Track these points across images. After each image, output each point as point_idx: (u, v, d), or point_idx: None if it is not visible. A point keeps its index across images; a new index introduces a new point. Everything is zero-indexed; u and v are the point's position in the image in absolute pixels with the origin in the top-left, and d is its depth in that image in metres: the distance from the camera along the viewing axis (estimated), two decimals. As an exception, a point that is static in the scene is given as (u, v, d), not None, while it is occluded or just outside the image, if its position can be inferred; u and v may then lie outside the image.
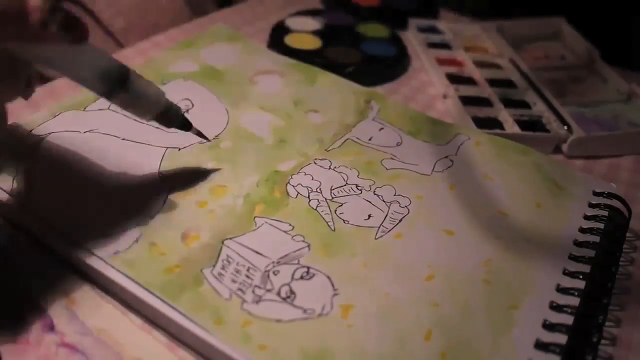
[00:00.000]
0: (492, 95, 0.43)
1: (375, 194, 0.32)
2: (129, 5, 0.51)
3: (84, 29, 0.22)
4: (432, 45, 0.51)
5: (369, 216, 0.31)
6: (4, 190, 0.29)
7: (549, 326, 0.26)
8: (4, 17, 0.20)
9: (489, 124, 0.40)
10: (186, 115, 0.29)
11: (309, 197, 0.31)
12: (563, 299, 0.27)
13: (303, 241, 0.29)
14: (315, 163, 0.34)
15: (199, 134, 0.31)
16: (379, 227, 0.30)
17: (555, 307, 0.27)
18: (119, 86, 0.26)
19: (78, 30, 0.22)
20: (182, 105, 0.37)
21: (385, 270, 0.28)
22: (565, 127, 0.40)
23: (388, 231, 0.30)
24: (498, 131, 0.39)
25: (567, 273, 0.28)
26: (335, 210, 0.31)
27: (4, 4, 0.19)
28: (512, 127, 0.40)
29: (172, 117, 0.29)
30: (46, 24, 0.20)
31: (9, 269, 0.27)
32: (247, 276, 0.26)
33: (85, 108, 0.36)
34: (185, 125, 0.30)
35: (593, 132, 0.40)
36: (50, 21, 0.21)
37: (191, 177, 0.32)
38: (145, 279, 0.26)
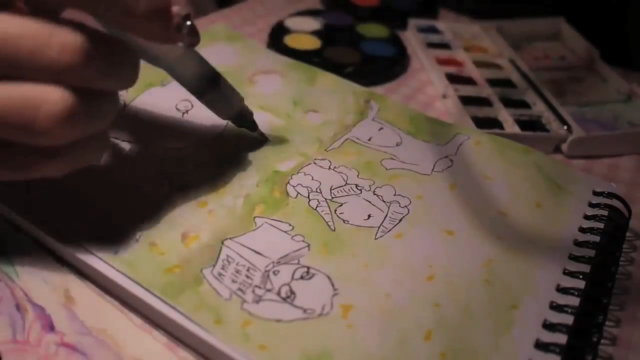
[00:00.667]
0: (492, 95, 0.43)
1: (375, 194, 0.32)
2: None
3: (199, 36, 0.25)
4: (432, 45, 0.51)
5: (369, 216, 0.31)
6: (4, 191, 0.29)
7: (549, 326, 0.26)
8: (154, 18, 0.22)
9: (488, 123, 0.40)
10: (254, 118, 0.34)
11: (308, 197, 0.31)
12: (563, 299, 0.27)
13: (303, 241, 0.29)
14: (315, 163, 0.34)
15: (262, 135, 0.34)
16: (379, 227, 0.30)
17: (555, 307, 0.27)
18: (211, 88, 0.31)
19: (197, 36, 0.25)
20: (182, 106, 0.37)
21: (385, 270, 0.28)
22: (565, 127, 0.40)
23: (388, 231, 0.30)
24: (498, 131, 0.39)
25: (567, 273, 0.28)
26: (335, 210, 0.31)
27: (158, 4, 0.22)
28: (511, 127, 0.40)
29: (244, 119, 0.33)
30: (180, 28, 0.23)
31: (10, 269, 0.27)
32: (247, 276, 0.26)
33: None
34: (253, 127, 0.34)
35: (593, 132, 0.40)
36: (184, 27, 0.23)
37: (191, 177, 0.32)
38: (145, 279, 0.26)
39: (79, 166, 0.24)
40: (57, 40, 0.20)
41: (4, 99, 0.20)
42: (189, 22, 0.24)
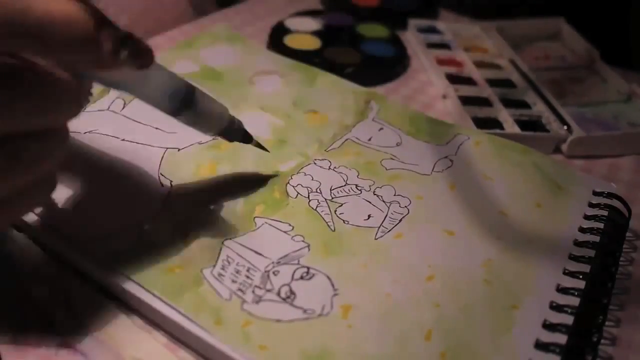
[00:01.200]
0: (492, 95, 0.43)
1: (375, 194, 0.32)
2: (132, 3, 0.51)
3: (151, 55, 0.22)
4: (432, 45, 0.51)
5: (369, 216, 0.31)
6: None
7: (549, 326, 0.26)
8: (77, 47, 0.20)
9: (488, 124, 0.40)
10: (246, 128, 0.30)
11: (308, 197, 0.31)
12: (563, 299, 0.27)
13: (303, 241, 0.29)
14: (315, 163, 0.34)
15: (259, 146, 0.31)
16: (379, 227, 0.30)
17: (555, 307, 0.27)
18: (185, 105, 0.26)
19: (146, 57, 0.22)
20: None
21: (385, 270, 0.28)
22: (565, 127, 0.40)
23: (388, 231, 0.30)
24: (498, 131, 0.39)
25: (567, 273, 0.28)
26: (335, 211, 0.31)
27: (78, 34, 0.19)
28: (512, 127, 0.40)
29: (234, 132, 0.30)
30: (118, 53, 0.21)
31: (9, 270, 0.27)
32: (247, 276, 0.26)
33: (84, 109, 0.35)
34: (246, 138, 0.30)
35: (593, 132, 0.40)
36: (121, 53, 0.21)
37: (191, 177, 0.32)
38: (145, 279, 0.26)
39: (23, 214, 0.23)
40: None
41: None
42: (129, 43, 0.21)
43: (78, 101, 0.21)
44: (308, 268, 0.27)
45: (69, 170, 0.31)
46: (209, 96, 0.28)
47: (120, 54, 0.21)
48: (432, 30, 0.53)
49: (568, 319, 0.26)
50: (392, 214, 0.31)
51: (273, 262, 0.27)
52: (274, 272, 0.27)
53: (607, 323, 0.27)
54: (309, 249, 0.28)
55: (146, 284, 0.26)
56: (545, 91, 0.44)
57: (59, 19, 0.19)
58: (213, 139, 0.34)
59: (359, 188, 0.32)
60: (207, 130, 0.28)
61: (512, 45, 0.50)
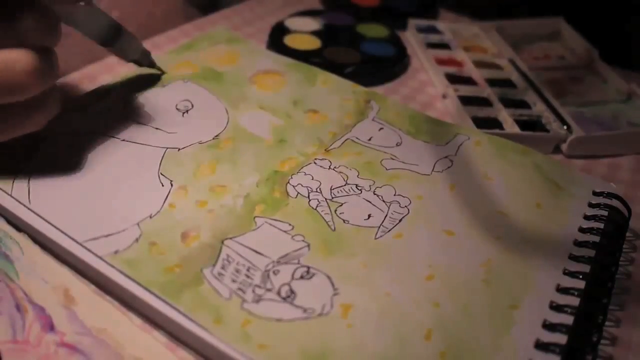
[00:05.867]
0: (492, 95, 0.43)
1: (375, 194, 0.32)
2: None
3: None
4: (432, 45, 0.51)
5: (369, 216, 0.31)
6: (4, 191, 0.29)
7: (549, 326, 0.26)
8: None
9: (488, 124, 0.40)
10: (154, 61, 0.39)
11: (308, 197, 0.31)
12: (563, 299, 0.27)
13: (303, 241, 0.29)
14: (315, 163, 0.34)
15: (160, 69, 0.39)
16: (379, 227, 0.30)
17: (555, 307, 0.27)
18: (117, 36, 0.35)
19: None
20: (182, 106, 0.37)
21: (385, 270, 0.28)
22: (565, 127, 0.40)
23: (388, 231, 0.30)
24: (498, 131, 0.39)
25: (567, 273, 0.28)
26: (335, 210, 0.31)
27: None
28: (511, 127, 0.40)
29: (146, 58, 0.38)
30: None
31: (9, 269, 0.27)
32: (247, 276, 0.26)
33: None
34: (152, 64, 0.39)
35: (593, 132, 0.40)
36: None
37: (191, 177, 0.32)
38: (145, 279, 0.26)
39: (50, 116, 0.28)
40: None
41: None
42: None
43: (60, 30, 0.28)
44: (308, 267, 0.27)
45: (69, 169, 0.31)
46: (129, 31, 0.35)
47: None
48: (432, 30, 0.53)
49: (568, 319, 0.26)
50: (392, 213, 0.31)
51: (273, 262, 0.27)
52: (274, 272, 0.27)
53: (607, 323, 0.27)
54: (309, 249, 0.28)
55: (146, 283, 0.26)
56: (545, 91, 0.44)
57: None
58: (213, 138, 0.34)
59: (359, 188, 0.32)
60: (129, 56, 0.36)
61: (512, 45, 0.50)
